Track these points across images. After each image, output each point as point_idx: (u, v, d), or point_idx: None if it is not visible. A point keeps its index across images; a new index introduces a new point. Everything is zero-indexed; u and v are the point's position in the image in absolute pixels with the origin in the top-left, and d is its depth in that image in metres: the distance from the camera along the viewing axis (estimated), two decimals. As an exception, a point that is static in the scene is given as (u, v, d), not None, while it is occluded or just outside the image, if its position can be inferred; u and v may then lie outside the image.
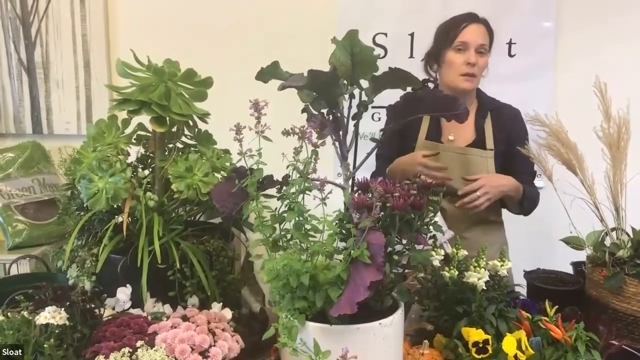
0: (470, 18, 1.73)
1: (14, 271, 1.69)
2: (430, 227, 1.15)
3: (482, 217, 1.75)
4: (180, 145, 1.49)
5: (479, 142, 1.74)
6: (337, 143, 1.17)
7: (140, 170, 1.49)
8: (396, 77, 1.10)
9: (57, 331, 1.09)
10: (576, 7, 2.35)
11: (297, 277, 1.01)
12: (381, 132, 1.18)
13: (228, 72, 1.95)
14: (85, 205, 1.40)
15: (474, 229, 1.75)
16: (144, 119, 1.39)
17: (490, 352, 1.17)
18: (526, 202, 1.73)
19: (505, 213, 1.87)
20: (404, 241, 1.11)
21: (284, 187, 1.13)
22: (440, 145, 1.74)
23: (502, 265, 1.30)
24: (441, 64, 1.75)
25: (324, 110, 1.16)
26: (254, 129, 1.11)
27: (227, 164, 1.44)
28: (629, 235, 1.43)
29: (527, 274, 1.58)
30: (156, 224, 1.33)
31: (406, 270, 1.16)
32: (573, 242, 1.51)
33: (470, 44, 1.68)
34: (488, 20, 1.76)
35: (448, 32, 1.72)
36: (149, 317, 1.24)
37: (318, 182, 1.07)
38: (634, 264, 1.35)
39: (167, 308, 1.30)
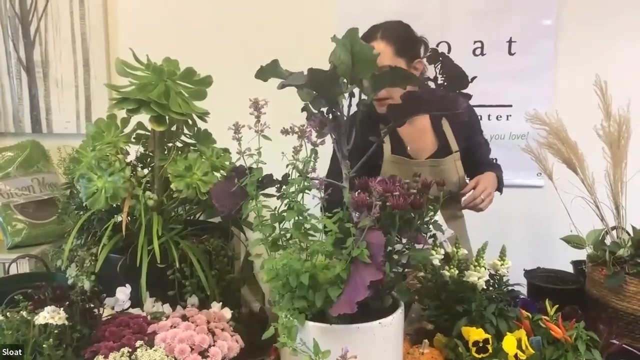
0: (368, 38, 1.60)
1: (13, 270, 1.69)
2: (430, 226, 1.15)
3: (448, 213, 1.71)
4: (179, 144, 1.48)
5: (444, 148, 1.70)
6: (336, 142, 1.17)
7: (139, 169, 1.48)
8: (396, 75, 1.10)
9: (56, 331, 1.09)
10: (577, 5, 2.34)
11: (296, 277, 1.01)
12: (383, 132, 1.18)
13: (227, 71, 1.94)
14: (84, 204, 1.40)
15: None
16: (143, 117, 1.38)
17: (490, 351, 1.16)
18: (501, 187, 1.76)
19: (507, 209, 1.87)
20: (404, 240, 1.11)
21: (284, 186, 1.13)
22: (411, 161, 1.68)
23: (502, 265, 1.30)
24: None
25: (324, 109, 1.16)
26: (253, 127, 1.10)
27: (227, 163, 1.44)
28: (629, 234, 1.43)
29: (527, 273, 1.57)
30: (155, 223, 1.33)
31: (406, 270, 1.15)
32: (573, 241, 1.51)
33: None
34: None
35: None
36: (149, 317, 1.24)
37: (317, 181, 1.07)
38: (634, 263, 1.35)
39: (166, 307, 1.29)
